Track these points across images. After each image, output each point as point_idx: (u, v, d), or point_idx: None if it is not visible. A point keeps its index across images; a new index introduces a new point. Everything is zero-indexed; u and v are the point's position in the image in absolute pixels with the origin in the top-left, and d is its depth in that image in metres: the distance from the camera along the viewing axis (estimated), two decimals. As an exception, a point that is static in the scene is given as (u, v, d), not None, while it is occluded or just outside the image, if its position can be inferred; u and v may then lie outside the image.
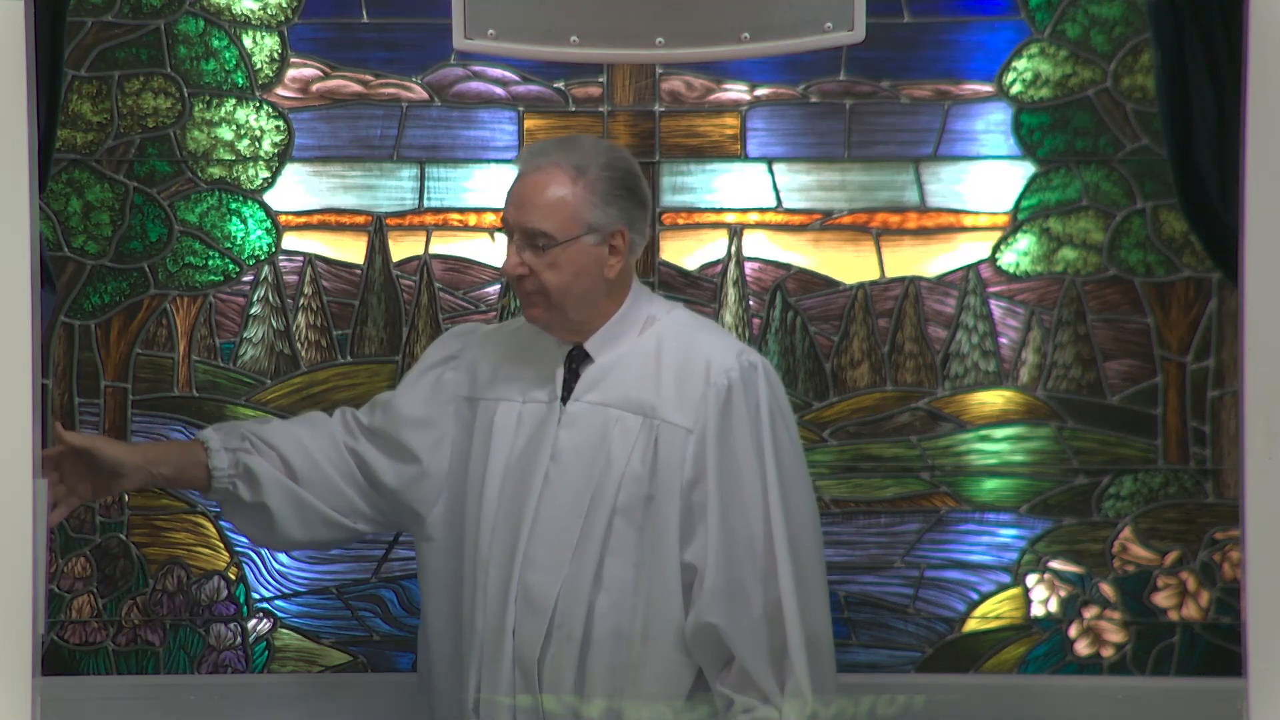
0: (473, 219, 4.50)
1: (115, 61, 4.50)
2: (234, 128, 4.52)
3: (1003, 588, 4.55)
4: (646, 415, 3.68)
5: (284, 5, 4.53)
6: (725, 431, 3.67)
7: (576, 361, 3.73)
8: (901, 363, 4.55)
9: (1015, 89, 4.52)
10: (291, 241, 4.55)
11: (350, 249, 4.56)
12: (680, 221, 4.57)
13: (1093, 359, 4.54)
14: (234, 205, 4.53)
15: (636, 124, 4.55)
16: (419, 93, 4.55)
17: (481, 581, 3.72)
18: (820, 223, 4.56)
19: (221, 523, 4.53)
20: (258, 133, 4.53)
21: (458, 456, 3.84)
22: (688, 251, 4.57)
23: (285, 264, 4.55)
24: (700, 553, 3.64)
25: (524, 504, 3.70)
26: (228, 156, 4.52)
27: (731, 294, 4.55)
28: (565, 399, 3.72)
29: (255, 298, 4.54)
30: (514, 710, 3.69)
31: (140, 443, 4.35)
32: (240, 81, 4.52)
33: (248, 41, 4.52)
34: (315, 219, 4.55)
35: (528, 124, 4.55)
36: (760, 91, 4.55)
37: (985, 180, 4.55)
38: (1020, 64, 4.52)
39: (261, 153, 4.53)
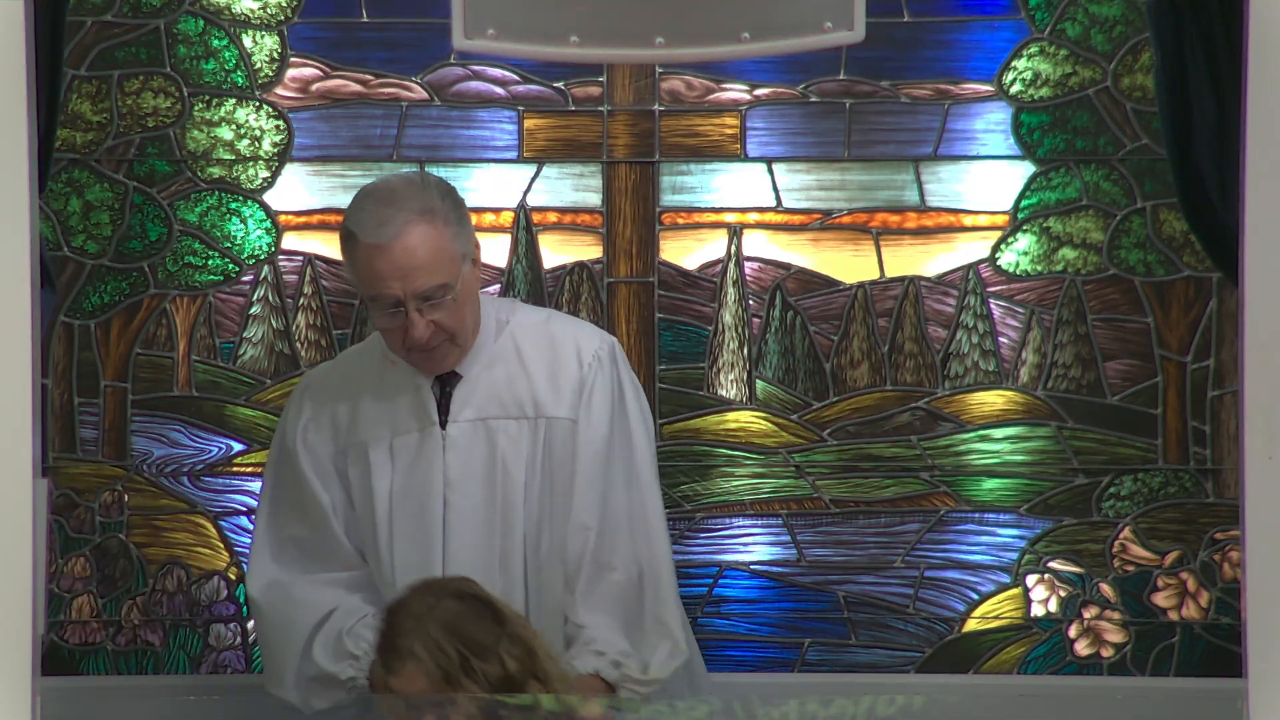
0: (472, 219, 4.50)
1: (115, 61, 4.50)
2: (234, 127, 4.52)
3: (1002, 588, 4.55)
4: (529, 417, 3.67)
5: (284, 5, 4.53)
6: (597, 409, 3.68)
7: (444, 381, 3.69)
8: (901, 363, 4.55)
9: (1015, 88, 4.52)
10: (291, 241, 4.55)
11: (350, 249, 4.56)
12: (680, 221, 4.57)
13: (1093, 359, 4.54)
14: (234, 205, 4.53)
15: (636, 124, 4.55)
16: (419, 92, 4.55)
17: None
18: (820, 222, 4.56)
19: (220, 523, 4.53)
20: (258, 133, 4.53)
21: (346, 508, 3.76)
22: (687, 251, 4.57)
23: (285, 264, 4.55)
24: (572, 526, 3.65)
25: (429, 536, 3.66)
26: (228, 156, 4.52)
27: (731, 294, 4.55)
28: (442, 423, 3.68)
29: (255, 298, 4.54)
30: None
31: None
32: (240, 81, 4.52)
33: (247, 41, 4.52)
34: (315, 219, 4.55)
35: (528, 124, 4.56)
36: (760, 91, 4.55)
37: (985, 180, 4.55)
38: (1020, 63, 4.52)
39: (261, 153, 4.53)
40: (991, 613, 4.55)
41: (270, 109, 4.53)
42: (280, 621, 3.71)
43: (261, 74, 4.53)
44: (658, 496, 3.74)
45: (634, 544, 3.67)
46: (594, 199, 4.56)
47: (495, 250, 4.53)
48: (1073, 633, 4.55)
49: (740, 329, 4.55)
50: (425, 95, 4.55)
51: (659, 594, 3.67)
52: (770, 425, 4.56)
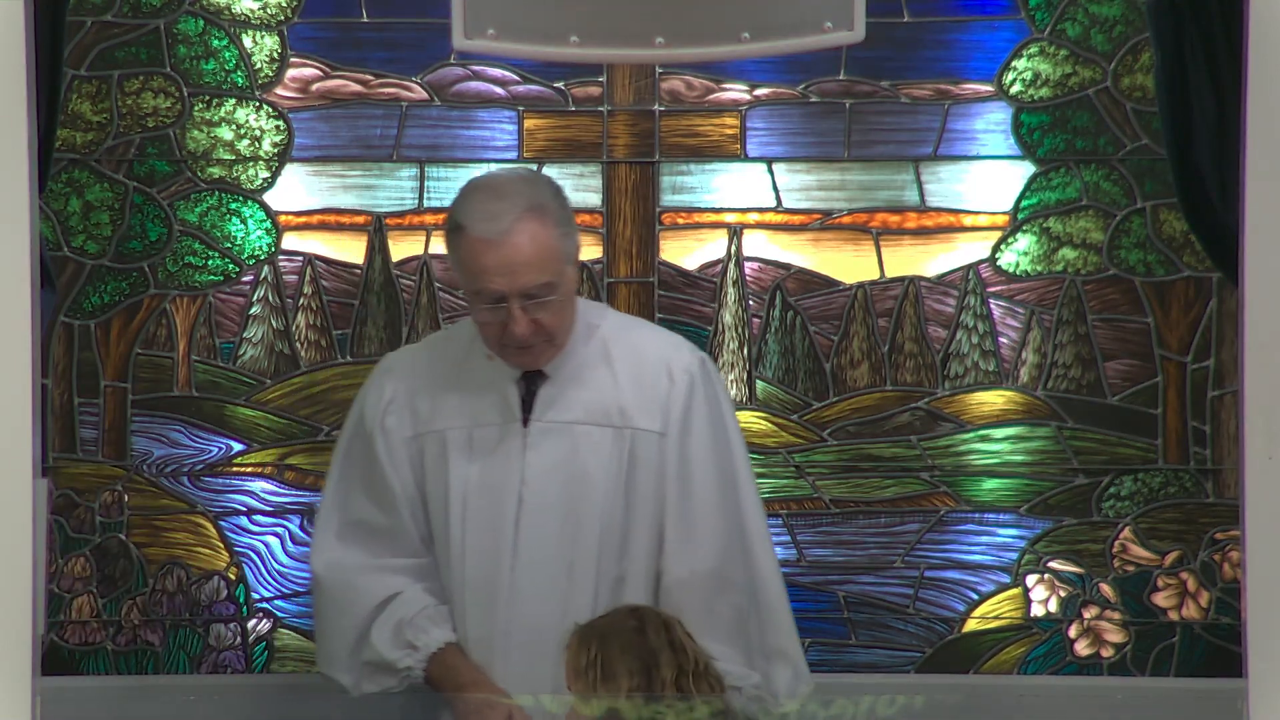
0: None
1: (115, 61, 4.50)
2: (234, 128, 4.53)
3: (1002, 588, 4.55)
4: (615, 426, 3.63)
5: (284, 5, 4.53)
6: (697, 428, 3.64)
7: (531, 380, 3.64)
8: (901, 363, 4.55)
9: (1015, 89, 4.53)
10: (291, 241, 4.55)
11: (350, 249, 4.56)
12: (680, 221, 4.57)
13: (1093, 359, 4.54)
14: (234, 205, 4.53)
15: (636, 124, 4.55)
16: (419, 92, 4.55)
17: (459, 614, 3.64)
18: (820, 223, 4.56)
19: (220, 523, 4.53)
20: (258, 133, 4.53)
21: (415, 495, 3.71)
22: (687, 251, 4.57)
23: (285, 264, 4.55)
24: (678, 550, 3.61)
25: (500, 529, 3.61)
26: (228, 156, 4.52)
27: (731, 294, 4.55)
28: (524, 420, 3.63)
29: (255, 298, 4.55)
30: None
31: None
32: (240, 81, 4.52)
33: (247, 41, 4.52)
34: (315, 219, 4.55)
35: (528, 124, 4.56)
36: (760, 91, 4.55)
37: (985, 180, 4.55)
38: (1020, 64, 4.52)
39: (261, 153, 4.53)
40: (991, 613, 4.55)
41: (270, 109, 4.53)
42: (341, 601, 3.69)
43: (261, 74, 4.53)
44: (763, 516, 3.71)
45: (746, 566, 3.65)
46: (594, 199, 4.56)
47: (495, 250, 4.53)
48: (1073, 633, 4.55)
49: (740, 329, 4.55)
50: (425, 95, 4.55)
51: (774, 617, 3.65)
52: (770, 425, 4.56)
